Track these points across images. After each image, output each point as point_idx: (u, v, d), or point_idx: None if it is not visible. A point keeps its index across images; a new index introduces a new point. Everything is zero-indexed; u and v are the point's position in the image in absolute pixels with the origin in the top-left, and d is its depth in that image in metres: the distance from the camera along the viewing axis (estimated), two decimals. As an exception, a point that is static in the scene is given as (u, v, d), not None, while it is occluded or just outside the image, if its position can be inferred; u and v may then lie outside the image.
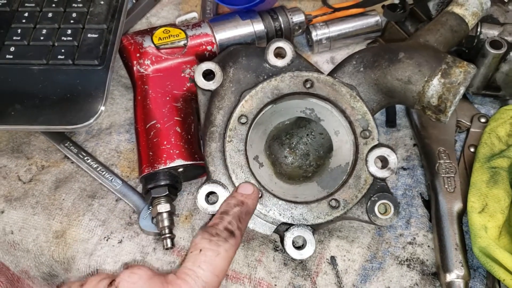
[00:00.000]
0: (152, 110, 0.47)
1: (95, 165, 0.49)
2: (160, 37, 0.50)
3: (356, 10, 0.60)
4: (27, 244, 0.45)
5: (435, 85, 0.41)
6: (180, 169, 0.45)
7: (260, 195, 0.41)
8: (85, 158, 0.50)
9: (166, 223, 0.43)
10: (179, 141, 0.45)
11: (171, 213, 0.44)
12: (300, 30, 0.56)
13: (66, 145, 0.51)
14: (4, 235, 0.46)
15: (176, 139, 0.45)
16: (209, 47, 0.52)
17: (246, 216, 0.38)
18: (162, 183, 0.44)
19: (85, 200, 0.47)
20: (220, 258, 0.33)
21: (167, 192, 0.44)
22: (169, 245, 0.43)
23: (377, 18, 0.59)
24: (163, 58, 0.49)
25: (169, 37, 0.50)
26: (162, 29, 0.50)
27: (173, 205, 0.45)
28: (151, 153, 0.45)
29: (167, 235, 0.43)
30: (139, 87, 0.48)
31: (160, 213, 0.43)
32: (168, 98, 0.48)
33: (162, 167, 0.44)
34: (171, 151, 0.45)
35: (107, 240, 0.45)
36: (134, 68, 0.49)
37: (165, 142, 0.45)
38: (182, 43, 0.50)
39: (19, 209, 0.47)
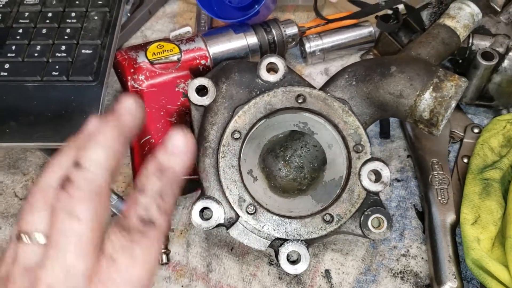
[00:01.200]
0: (146, 125, 0.47)
1: None
2: (154, 52, 0.50)
3: (350, 21, 0.60)
4: (23, 260, 0.45)
5: (426, 99, 0.41)
6: None
7: (254, 210, 0.42)
8: None
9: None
10: None
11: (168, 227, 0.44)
12: (294, 42, 0.57)
13: None
14: (1, 252, 0.46)
15: None
16: (202, 61, 0.52)
17: (172, 185, 0.26)
18: None
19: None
20: (138, 266, 0.24)
21: None
22: (164, 260, 0.43)
23: (371, 28, 0.59)
24: (157, 73, 0.50)
25: (163, 52, 0.50)
26: (156, 44, 0.51)
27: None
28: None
29: (162, 251, 0.44)
30: None
31: None
32: (162, 113, 0.48)
33: None
34: None
35: None
36: (129, 83, 0.49)
37: None
38: (176, 57, 0.50)
39: (16, 226, 0.47)
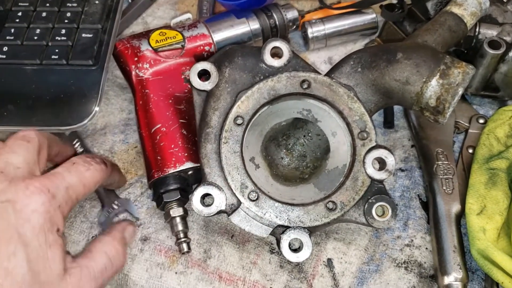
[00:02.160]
0: (155, 114, 0.46)
1: None
2: (157, 40, 0.49)
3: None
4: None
5: (433, 86, 0.41)
6: (190, 172, 0.44)
7: (256, 197, 0.41)
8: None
9: (180, 227, 0.43)
10: (186, 144, 0.45)
11: (184, 217, 0.43)
12: (294, 26, 0.56)
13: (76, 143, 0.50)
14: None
15: (183, 142, 0.45)
16: (207, 48, 0.51)
17: (116, 169, 0.44)
18: (173, 187, 0.43)
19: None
20: (89, 172, 0.37)
21: (179, 196, 0.43)
22: (186, 249, 0.42)
23: (373, 15, 0.59)
24: (161, 61, 0.49)
25: (166, 39, 0.49)
26: (158, 31, 0.50)
27: (185, 208, 0.44)
28: (159, 157, 0.44)
29: (183, 239, 0.42)
30: (139, 92, 0.48)
31: (174, 218, 0.43)
32: (170, 101, 0.47)
33: (172, 170, 0.43)
34: (180, 154, 0.44)
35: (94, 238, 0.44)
36: (133, 72, 0.48)
37: (172, 146, 0.44)
38: (180, 44, 0.49)
39: None
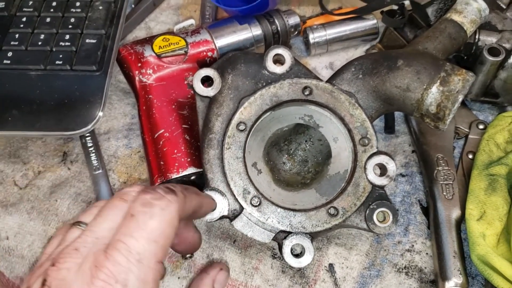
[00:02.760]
0: (158, 119, 0.47)
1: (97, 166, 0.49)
2: (160, 46, 0.50)
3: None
4: (22, 250, 0.45)
5: (433, 93, 0.41)
6: (193, 177, 0.45)
7: (258, 202, 0.41)
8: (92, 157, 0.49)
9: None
10: (189, 149, 0.45)
11: None
12: (296, 32, 0.57)
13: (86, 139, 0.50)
14: (0, 241, 0.46)
15: (186, 147, 0.45)
16: (210, 53, 0.52)
17: (194, 193, 0.34)
18: None
19: (80, 205, 0.47)
20: (155, 220, 0.28)
21: None
22: (188, 254, 0.43)
23: (374, 21, 0.59)
24: (164, 66, 0.49)
25: (169, 45, 0.50)
26: (161, 37, 0.50)
27: None
28: (162, 162, 0.45)
29: None
30: (142, 97, 0.48)
31: None
32: (173, 107, 0.47)
33: (174, 176, 0.44)
34: (183, 159, 0.44)
35: None
36: (136, 78, 0.48)
37: (175, 151, 0.45)
38: (183, 50, 0.50)
39: (15, 215, 0.46)
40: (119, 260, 0.26)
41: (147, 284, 0.27)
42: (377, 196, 0.42)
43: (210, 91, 0.44)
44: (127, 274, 0.26)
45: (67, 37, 0.49)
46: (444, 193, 0.47)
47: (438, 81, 0.41)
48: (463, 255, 0.43)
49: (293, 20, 0.56)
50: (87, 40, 0.49)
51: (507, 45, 0.50)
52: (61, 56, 0.48)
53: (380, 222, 0.41)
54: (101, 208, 0.30)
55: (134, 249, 0.27)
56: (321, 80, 0.44)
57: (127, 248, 0.27)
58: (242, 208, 0.42)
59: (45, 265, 0.28)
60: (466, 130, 0.52)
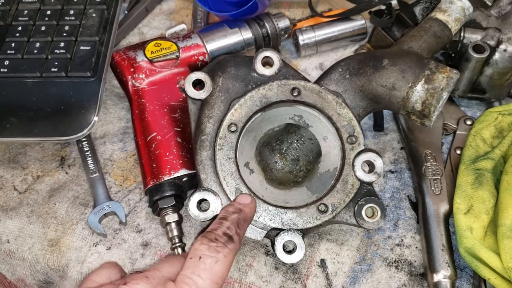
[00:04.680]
0: (150, 122, 0.48)
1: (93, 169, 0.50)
2: (152, 51, 0.51)
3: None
4: (23, 252, 0.46)
5: (418, 91, 0.42)
6: (185, 179, 0.46)
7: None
8: (89, 161, 0.51)
9: (175, 232, 0.44)
10: (181, 151, 0.46)
11: (179, 223, 0.45)
12: (286, 35, 0.58)
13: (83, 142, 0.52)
14: (1, 244, 0.47)
15: (178, 150, 0.46)
16: (201, 57, 0.53)
17: (244, 223, 0.39)
18: (168, 194, 0.45)
19: (78, 208, 0.48)
20: (219, 264, 0.33)
21: (174, 202, 0.45)
22: (181, 253, 0.44)
23: (362, 21, 0.61)
24: (157, 71, 0.50)
25: (161, 50, 0.51)
26: (153, 42, 0.51)
27: (180, 214, 0.45)
28: (154, 165, 0.46)
29: (178, 244, 0.44)
30: (135, 101, 0.50)
31: (169, 223, 0.44)
32: (165, 110, 0.49)
33: (167, 178, 0.45)
34: (174, 162, 0.46)
35: (95, 246, 0.46)
36: (129, 83, 0.50)
37: (167, 153, 0.46)
38: (174, 55, 0.51)
39: (15, 219, 0.48)
40: None
41: None
42: (366, 192, 0.43)
43: (201, 94, 0.45)
44: None
45: (62, 44, 0.51)
46: (433, 188, 0.48)
47: (423, 79, 0.42)
48: (452, 248, 0.45)
49: (283, 23, 0.57)
50: (82, 47, 0.51)
51: (491, 42, 0.51)
52: (56, 63, 0.49)
53: (368, 217, 0.43)
54: (164, 257, 0.35)
55: (201, 286, 0.31)
56: (309, 81, 0.46)
57: (195, 285, 0.31)
58: (234, 207, 0.43)
59: (115, 283, 0.32)
60: (454, 126, 0.54)
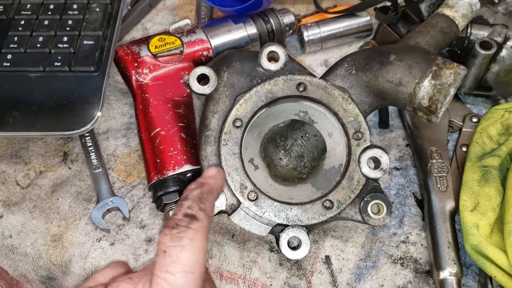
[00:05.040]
0: (154, 118, 0.48)
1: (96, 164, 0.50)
2: (156, 46, 0.50)
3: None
4: (26, 248, 0.46)
5: (425, 87, 0.42)
6: (189, 174, 0.46)
7: (255, 197, 0.42)
8: (92, 156, 0.50)
9: None
10: (185, 147, 0.46)
11: None
12: (291, 31, 0.58)
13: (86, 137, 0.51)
14: (3, 239, 0.47)
15: (182, 145, 0.46)
16: (205, 53, 0.52)
17: (209, 195, 0.34)
18: (173, 189, 0.44)
19: (81, 203, 0.48)
20: (187, 252, 0.29)
21: (178, 198, 0.44)
22: None
23: (368, 18, 0.60)
24: (160, 66, 0.50)
25: (165, 45, 0.51)
26: (157, 37, 0.51)
27: None
28: (158, 160, 0.45)
29: None
30: (139, 96, 0.49)
31: None
32: (169, 105, 0.48)
33: (171, 173, 0.45)
34: (179, 157, 0.45)
35: (98, 241, 0.45)
36: (133, 77, 0.49)
37: (171, 149, 0.46)
38: (178, 50, 0.51)
39: (18, 214, 0.47)
40: None
41: None
42: (371, 188, 0.43)
43: (206, 89, 0.45)
44: None
45: (65, 39, 0.50)
46: (438, 186, 0.47)
47: (430, 75, 0.42)
48: (457, 245, 0.44)
49: (288, 19, 0.57)
50: (85, 42, 0.50)
51: (498, 39, 0.51)
52: (59, 57, 0.49)
53: (374, 214, 0.42)
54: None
55: (174, 283, 0.28)
56: (315, 76, 0.45)
57: (168, 283, 0.28)
58: (239, 203, 0.42)
59: (98, 286, 0.31)
60: (460, 123, 0.53)
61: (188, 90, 0.50)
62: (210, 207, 0.34)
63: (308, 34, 0.59)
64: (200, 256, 0.30)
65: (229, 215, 0.43)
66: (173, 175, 0.45)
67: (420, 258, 0.45)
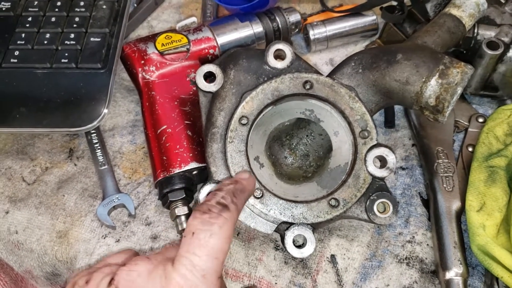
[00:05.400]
0: (161, 115, 0.48)
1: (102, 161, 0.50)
2: (163, 43, 0.51)
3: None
4: (31, 244, 0.46)
5: (432, 86, 0.42)
6: (195, 172, 0.46)
7: (260, 194, 0.42)
8: (97, 153, 0.50)
9: (185, 225, 0.44)
10: (191, 144, 0.46)
11: (189, 215, 0.44)
12: (297, 30, 0.58)
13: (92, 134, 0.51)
14: (9, 235, 0.47)
15: (188, 143, 0.46)
16: (211, 51, 0.52)
17: (241, 193, 0.36)
18: (179, 187, 0.45)
19: (87, 200, 0.48)
20: (215, 237, 0.30)
21: (184, 195, 0.44)
22: None
23: (374, 17, 0.60)
24: (167, 63, 0.50)
25: (172, 42, 0.51)
26: (164, 35, 0.51)
27: (190, 207, 0.45)
28: (164, 157, 0.46)
29: None
30: (145, 94, 0.49)
31: (179, 216, 0.44)
32: (176, 103, 0.48)
33: (177, 170, 0.45)
34: (185, 155, 0.45)
35: (104, 238, 0.46)
36: (139, 75, 0.49)
37: (177, 146, 0.46)
38: (185, 47, 0.51)
39: (24, 210, 0.47)
40: (186, 274, 0.29)
41: None
42: (378, 187, 0.43)
43: (212, 87, 0.45)
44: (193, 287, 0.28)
45: (72, 36, 0.51)
46: (444, 185, 0.47)
47: (437, 74, 0.42)
48: (464, 246, 0.44)
49: (293, 18, 0.57)
50: (92, 39, 0.50)
51: (505, 39, 0.50)
52: (66, 54, 0.49)
53: (380, 213, 0.42)
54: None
55: (198, 265, 0.29)
56: (321, 74, 0.45)
57: (191, 264, 0.29)
58: (245, 201, 0.42)
59: (113, 267, 0.31)
60: (466, 123, 0.53)
61: (194, 88, 0.50)
62: (241, 203, 0.35)
63: (314, 33, 0.59)
64: (226, 245, 0.31)
65: (234, 212, 0.42)
66: (179, 172, 0.45)
67: (426, 258, 0.45)
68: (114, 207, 0.47)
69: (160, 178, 0.45)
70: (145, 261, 0.31)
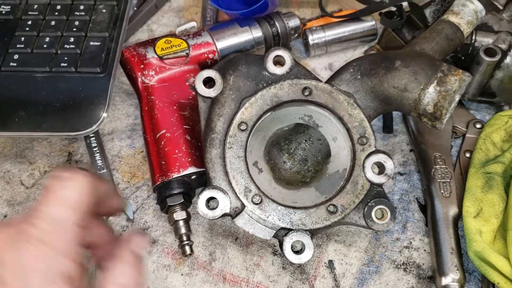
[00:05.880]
0: (160, 120, 0.48)
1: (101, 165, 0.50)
2: (162, 48, 0.51)
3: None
4: (30, 248, 0.46)
5: (430, 93, 0.42)
6: (193, 177, 0.46)
7: (259, 200, 0.42)
8: (96, 157, 0.50)
9: (183, 230, 0.44)
10: (190, 149, 0.46)
11: (187, 220, 0.45)
12: (296, 35, 0.58)
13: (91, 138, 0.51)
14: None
15: (187, 147, 0.46)
16: (211, 55, 0.53)
17: (102, 179, 0.33)
18: (177, 191, 0.45)
19: (87, 204, 0.48)
20: (69, 189, 0.29)
21: (183, 200, 0.44)
22: (188, 251, 0.44)
23: (373, 22, 0.60)
24: (166, 68, 0.50)
25: (171, 47, 0.51)
26: (164, 39, 0.51)
27: (188, 212, 0.45)
28: (163, 162, 0.46)
29: (185, 242, 0.44)
30: (144, 98, 0.49)
31: (177, 221, 0.44)
32: (175, 107, 0.48)
33: (175, 175, 0.45)
34: (183, 159, 0.45)
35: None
36: (139, 79, 0.50)
37: (176, 151, 0.46)
38: (184, 52, 0.51)
39: (22, 213, 0.47)
40: (38, 224, 0.28)
41: (72, 245, 0.28)
42: (376, 194, 0.43)
43: (211, 92, 0.45)
44: (52, 236, 0.28)
45: (72, 39, 0.51)
46: (442, 191, 0.48)
47: (435, 81, 0.42)
48: (460, 252, 0.44)
49: (293, 23, 0.57)
50: (91, 43, 0.50)
51: (503, 46, 0.51)
52: (66, 58, 0.49)
53: (378, 219, 0.42)
54: None
55: (49, 214, 0.28)
56: (320, 80, 0.45)
57: (44, 215, 0.28)
58: (243, 206, 0.43)
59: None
60: (464, 129, 0.53)
61: (194, 93, 0.50)
62: (102, 184, 0.32)
63: (313, 38, 0.59)
64: (83, 197, 0.29)
65: (233, 218, 0.43)
66: (177, 177, 0.45)
67: (423, 264, 0.45)
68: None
69: (158, 183, 0.45)
70: (3, 227, 0.29)
